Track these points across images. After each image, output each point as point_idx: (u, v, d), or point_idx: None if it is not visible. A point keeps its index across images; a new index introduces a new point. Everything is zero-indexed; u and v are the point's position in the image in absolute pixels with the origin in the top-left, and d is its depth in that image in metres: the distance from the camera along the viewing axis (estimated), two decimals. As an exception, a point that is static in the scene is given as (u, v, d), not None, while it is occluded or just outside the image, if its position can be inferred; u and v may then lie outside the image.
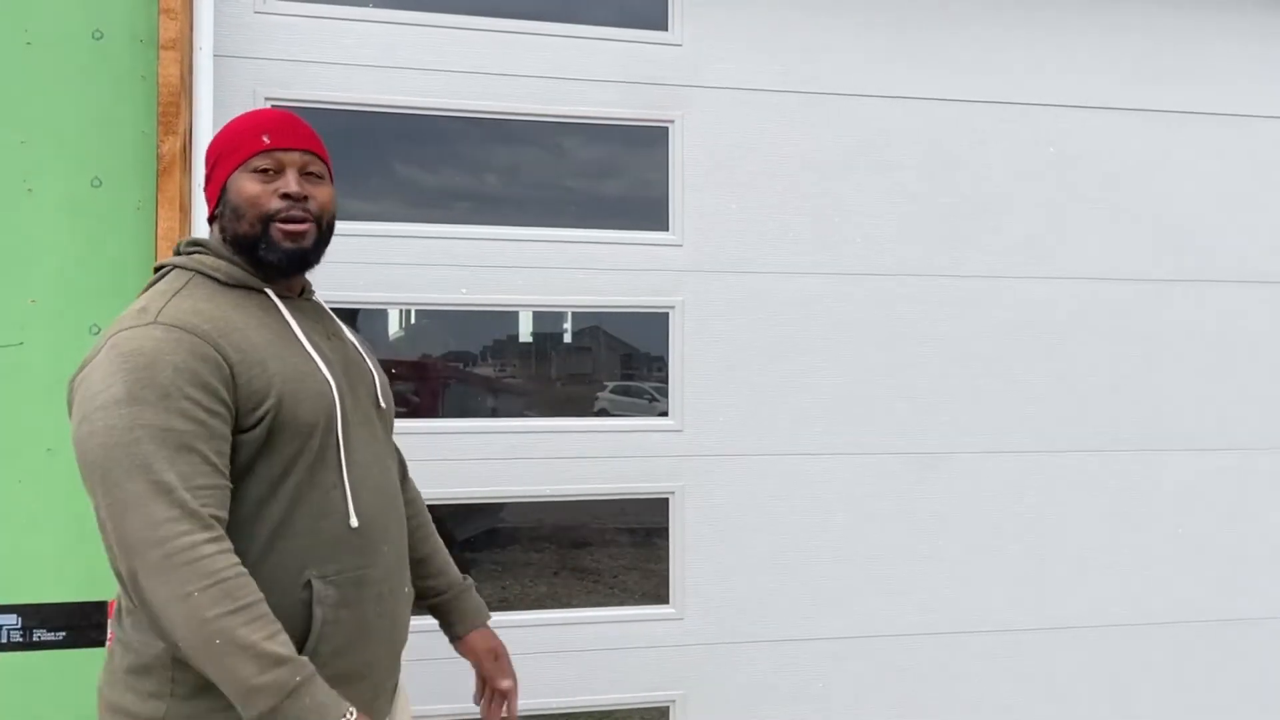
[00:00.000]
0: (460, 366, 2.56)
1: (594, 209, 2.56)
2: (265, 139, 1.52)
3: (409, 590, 1.66)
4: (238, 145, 1.53)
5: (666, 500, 2.54)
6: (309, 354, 1.52)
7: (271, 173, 1.52)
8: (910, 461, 2.64)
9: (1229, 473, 2.81)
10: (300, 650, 1.43)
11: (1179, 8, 2.81)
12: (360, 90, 2.38)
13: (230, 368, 1.41)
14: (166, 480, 1.31)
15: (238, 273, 1.52)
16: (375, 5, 2.41)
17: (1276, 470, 2.83)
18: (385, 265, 2.39)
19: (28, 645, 2.08)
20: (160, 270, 1.56)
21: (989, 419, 2.68)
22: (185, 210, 2.17)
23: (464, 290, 2.44)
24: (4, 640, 2.07)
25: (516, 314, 2.56)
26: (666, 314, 2.54)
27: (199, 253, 1.54)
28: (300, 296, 1.62)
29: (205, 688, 1.39)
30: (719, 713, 2.54)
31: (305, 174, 1.55)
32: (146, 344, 1.37)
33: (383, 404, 1.67)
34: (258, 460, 1.43)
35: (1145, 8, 2.79)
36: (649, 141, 2.56)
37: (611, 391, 2.61)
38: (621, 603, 2.58)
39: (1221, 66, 2.83)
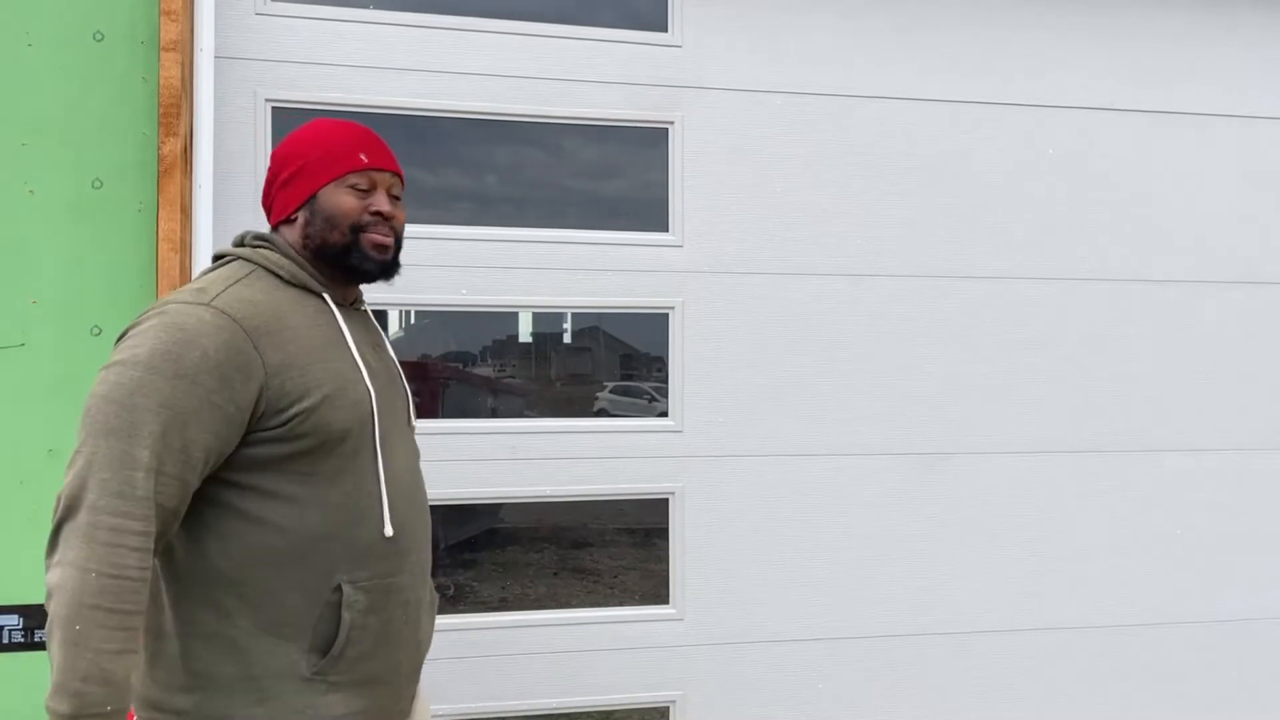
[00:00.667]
0: (460, 367, 2.56)
1: (594, 210, 2.56)
2: (363, 158, 1.57)
3: (432, 598, 1.68)
4: (335, 159, 1.57)
5: (666, 500, 2.54)
6: (355, 361, 1.53)
7: (366, 190, 1.57)
8: (910, 462, 2.65)
9: (1228, 473, 2.81)
10: (327, 652, 1.45)
11: (1180, 9, 2.81)
12: (361, 91, 2.39)
13: (264, 369, 1.41)
14: (139, 455, 1.32)
15: (301, 273, 1.54)
16: (376, 7, 2.41)
17: (1276, 470, 2.83)
18: (386, 266, 2.39)
19: (29, 645, 2.09)
20: (221, 259, 1.57)
21: (989, 419, 2.68)
22: (186, 211, 2.18)
23: (464, 291, 2.45)
24: (5, 640, 2.08)
25: (516, 314, 2.56)
26: (666, 314, 2.55)
27: (265, 248, 1.56)
28: (352, 306, 1.64)
29: (219, 682, 1.41)
30: (719, 713, 2.54)
31: (390, 195, 1.61)
32: (190, 322, 1.39)
33: (413, 415, 1.69)
34: (290, 461, 1.44)
35: (1146, 9, 2.79)
36: (649, 142, 2.57)
37: (611, 392, 2.62)
38: (621, 603, 2.58)
39: (1222, 68, 2.83)
